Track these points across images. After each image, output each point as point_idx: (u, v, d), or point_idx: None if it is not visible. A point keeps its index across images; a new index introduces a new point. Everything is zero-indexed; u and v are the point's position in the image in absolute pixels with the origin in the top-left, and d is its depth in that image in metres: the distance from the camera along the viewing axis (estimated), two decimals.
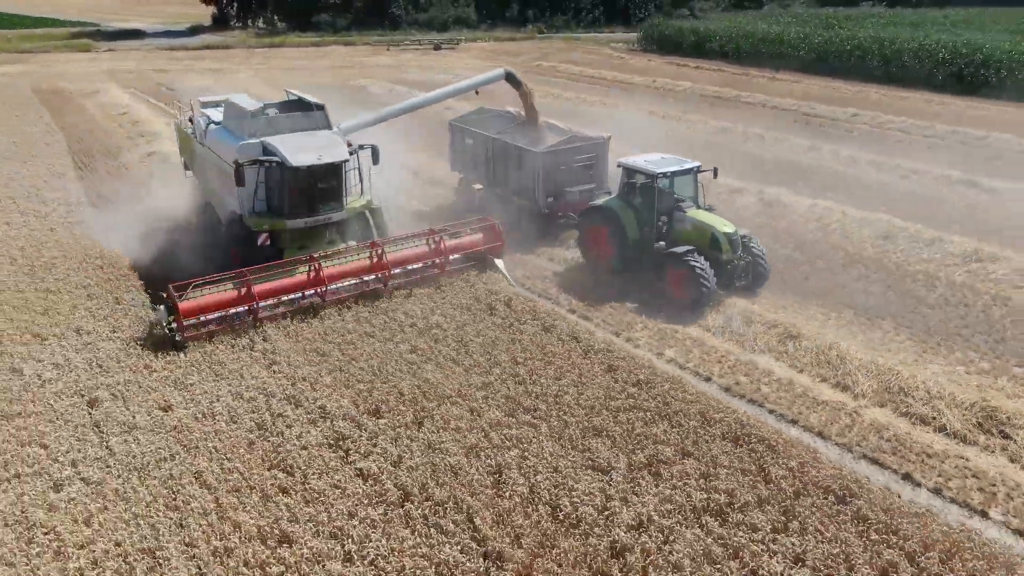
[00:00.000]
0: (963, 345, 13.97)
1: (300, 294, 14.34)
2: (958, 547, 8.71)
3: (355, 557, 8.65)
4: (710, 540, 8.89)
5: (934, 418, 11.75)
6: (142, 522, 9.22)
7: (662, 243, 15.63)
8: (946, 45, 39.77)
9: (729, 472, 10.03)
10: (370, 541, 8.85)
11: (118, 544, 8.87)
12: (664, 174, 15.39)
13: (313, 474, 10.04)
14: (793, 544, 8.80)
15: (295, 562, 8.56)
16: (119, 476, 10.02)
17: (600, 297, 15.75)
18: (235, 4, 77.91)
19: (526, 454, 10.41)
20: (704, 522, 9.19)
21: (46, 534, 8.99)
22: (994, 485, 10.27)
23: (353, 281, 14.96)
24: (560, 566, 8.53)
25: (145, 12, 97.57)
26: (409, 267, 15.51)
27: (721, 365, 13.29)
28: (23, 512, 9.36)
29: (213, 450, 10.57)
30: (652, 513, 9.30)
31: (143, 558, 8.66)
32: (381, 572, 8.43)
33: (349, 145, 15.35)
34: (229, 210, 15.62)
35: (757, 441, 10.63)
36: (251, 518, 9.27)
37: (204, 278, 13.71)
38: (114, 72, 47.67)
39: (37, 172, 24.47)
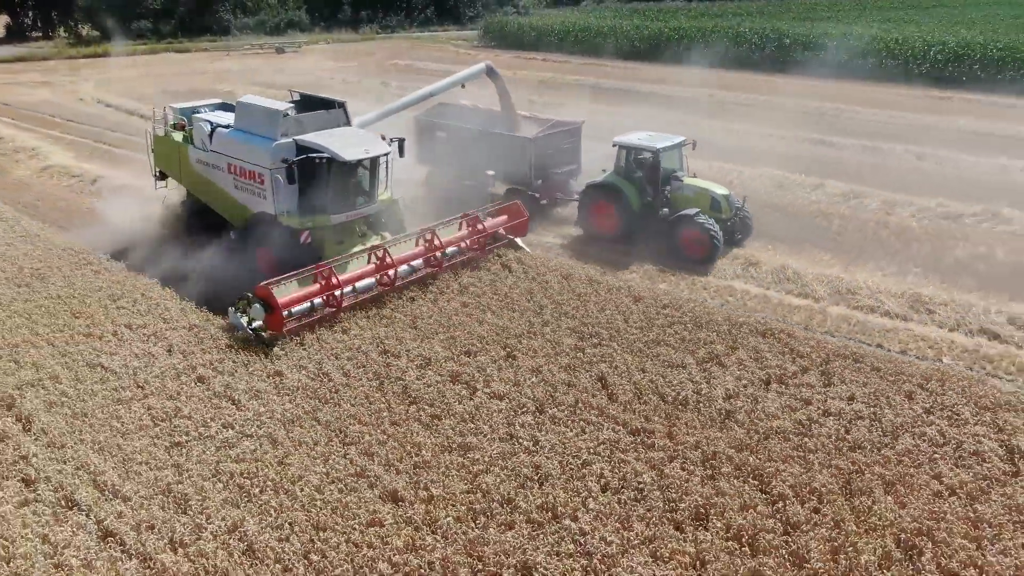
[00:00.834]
0: (872, 256, 17.97)
1: (374, 280, 14.95)
2: (945, 375, 12.21)
3: (534, 449, 10.52)
4: (784, 397, 11.73)
5: (879, 306, 15.47)
6: (335, 456, 10.45)
7: (666, 210, 17.95)
8: (757, 31, 46.33)
9: (771, 354, 12.96)
10: (539, 438, 10.75)
11: (327, 474, 10.08)
12: (664, 148, 17.79)
13: (454, 401, 11.68)
14: (841, 391, 11.86)
15: (487, 461, 10.27)
16: (280, 428, 11.06)
17: (605, 257, 17.76)
18: (31, 12, 71.29)
19: (614, 364, 12.70)
20: (773, 387, 12.03)
21: (251, 478, 9.98)
22: (938, 343, 14.02)
23: (417, 263, 15.68)
24: (691, 428, 10.95)
25: None
26: (455, 249, 16.52)
27: (708, 291, 16.29)
28: (217, 466, 10.23)
29: (351, 398, 11.83)
30: (733, 389, 11.98)
31: (358, 480, 9.96)
32: (561, 456, 10.38)
33: (383, 138, 16.18)
34: (256, 211, 15.78)
35: (780, 332, 13.69)
36: (426, 439, 10.80)
37: (281, 276, 13.98)
38: None
39: None
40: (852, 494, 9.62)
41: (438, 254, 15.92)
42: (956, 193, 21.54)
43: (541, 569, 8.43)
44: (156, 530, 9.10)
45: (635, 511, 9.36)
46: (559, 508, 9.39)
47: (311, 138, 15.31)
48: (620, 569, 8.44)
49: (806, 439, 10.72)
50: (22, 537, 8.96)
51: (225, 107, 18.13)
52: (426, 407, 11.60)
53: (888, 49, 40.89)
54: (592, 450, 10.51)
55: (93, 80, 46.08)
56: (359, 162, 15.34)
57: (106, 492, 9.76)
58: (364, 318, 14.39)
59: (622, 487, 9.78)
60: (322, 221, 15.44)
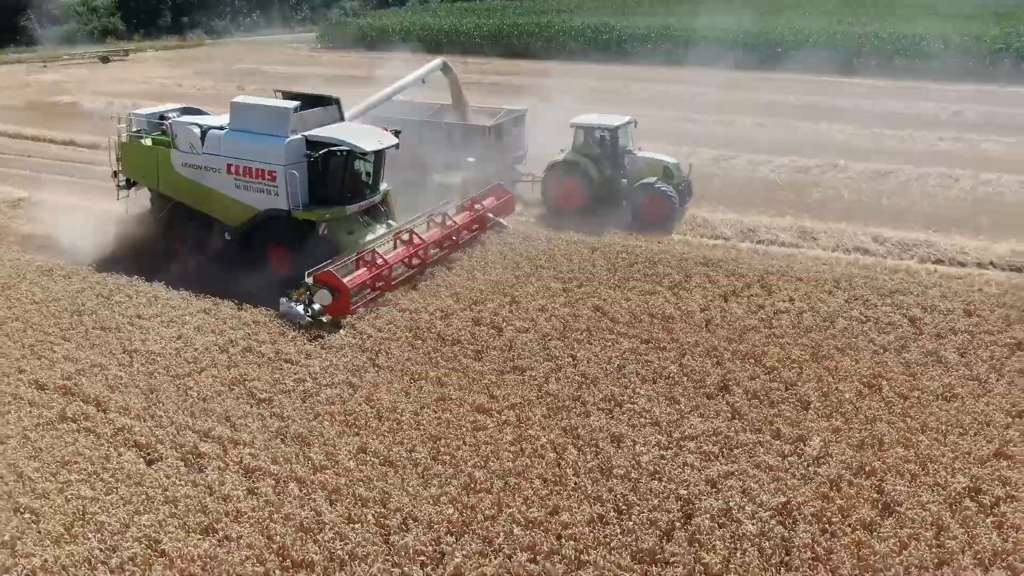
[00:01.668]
0: (752, 203, 21.68)
1: (410, 259, 16.16)
2: (851, 276, 15.95)
3: (575, 362, 12.77)
4: (743, 305, 14.81)
5: (776, 238, 19.19)
6: (412, 389, 12.07)
7: (625, 180, 20.40)
8: (590, 26, 50.83)
9: (719, 278, 16.05)
10: (574, 354, 13.01)
11: (416, 401, 11.72)
12: (619, 126, 20.21)
13: (489, 339, 13.62)
14: (782, 296, 15.16)
15: (543, 375, 12.37)
16: (349, 375, 12.46)
17: (572, 226, 19.56)
18: None
19: (602, 298, 15.18)
20: (731, 299, 15.09)
21: (349, 415, 11.40)
22: (827, 260, 17.83)
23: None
24: (686, 334, 13.67)
25: None
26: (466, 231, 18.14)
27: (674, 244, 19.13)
28: (313, 410, 11.52)
29: (398, 347, 13.41)
30: (703, 304, 14.90)
31: (444, 403, 11.68)
32: (598, 364, 12.70)
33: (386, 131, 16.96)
34: (263, 209, 16.08)
35: (719, 261, 16.91)
36: (483, 366, 12.69)
37: (332, 260, 14.87)
38: None
39: None
40: (819, 359, 12.79)
41: (455, 235, 17.61)
42: (801, 151, 26.20)
43: (628, 438, 10.74)
44: (292, 460, 10.35)
45: (675, 391, 11.91)
46: (617, 398, 11.74)
47: (322, 132, 16.02)
48: (684, 427, 10.95)
49: (772, 330, 13.83)
50: (167, 489, 9.87)
51: (189, 111, 18.26)
52: (468, 346, 13.45)
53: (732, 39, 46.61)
54: (620, 356, 12.95)
55: None
56: (375, 153, 16.21)
57: (224, 442, 10.79)
58: (415, 292, 15.70)
59: (656, 378, 12.31)
60: (338, 212, 16.15)
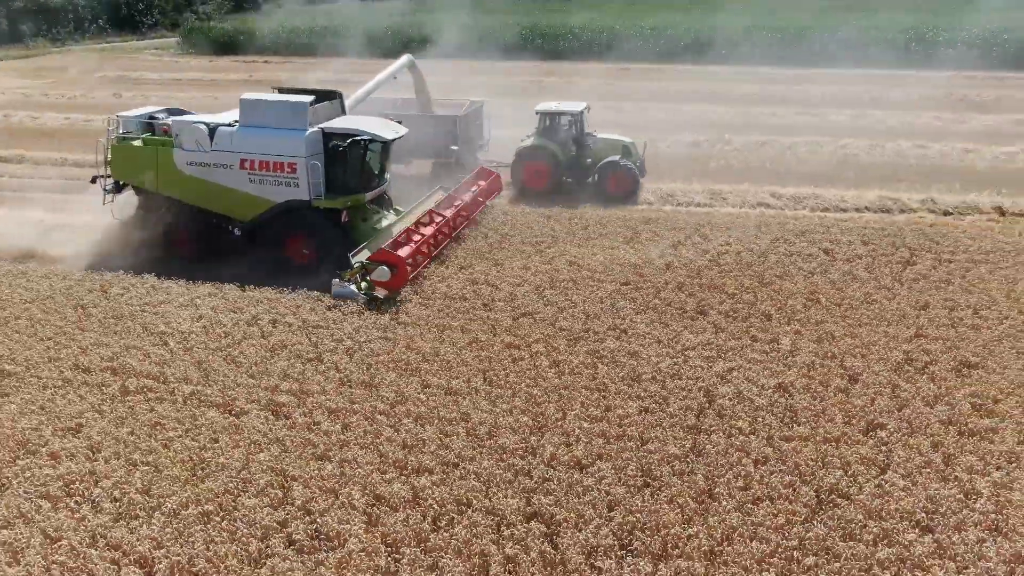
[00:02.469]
0: (663, 173, 24.75)
1: (438, 236, 17.50)
2: (768, 221, 19.06)
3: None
4: (693, 250, 17.51)
5: (691, 200, 22.20)
6: (471, 336, 13.71)
7: (589, 159, 22.37)
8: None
9: (662, 231, 18.74)
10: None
11: (480, 346, 13.37)
12: (582, 111, 22.15)
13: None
14: (720, 240, 18.01)
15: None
16: (397, 329, 13.88)
17: (543, 204, 21.36)
18: None
19: (578, 254, 17.40)
20: (679, 246, 17.77)
21: (416, 362, 12.89)
22: (738, 216, 21.02)
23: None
24: (661, 274, 16.14)
25: None
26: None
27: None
28: (374, 359, 12.88)
29: (432, 307, 14.96)
30: (660, 252, 17.46)
31: (508, 350, 13.39)
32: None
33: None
34: (281, 201, 16.71)
35: (655, 219, 19.55)
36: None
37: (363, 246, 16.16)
38: None
39: None
40: (765, 285, 15.64)
41: (467, 212, 19.28)
42: (692, 130, 29.63)
43: (642, 354, 12.97)
44: (368, 400, 11.73)
45: (664, 318, 14.30)
46: (620, 326, 13.97)
47: (339, 124, 16.91)
48: (682, 341, 13.32)
49: (722, 267, 16.61)
50: (266, 433, 11.00)
51: (174, 112, 18.57)
52: (475, 300, 15.18)
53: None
54: (609, 296, 15.20)
55: None
56: (393, 141, 17.17)
57: (296, 394, 11.96)
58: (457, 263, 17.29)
59: (644, 309, 14.63)
60: (357, 200, 17.06)
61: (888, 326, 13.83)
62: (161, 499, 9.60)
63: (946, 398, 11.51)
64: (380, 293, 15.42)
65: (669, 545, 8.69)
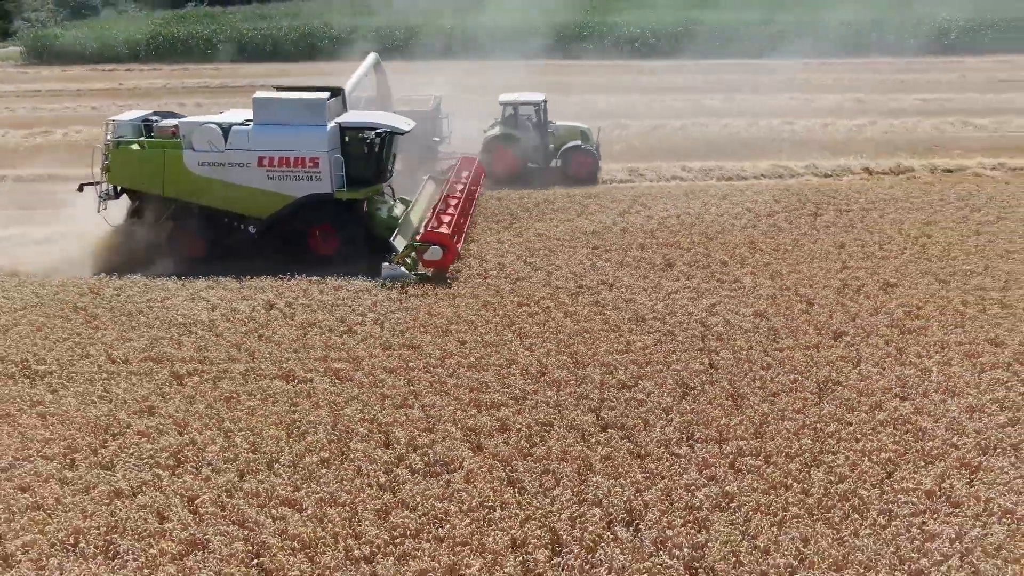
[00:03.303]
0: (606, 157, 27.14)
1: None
2: (697, 190, 21.84)
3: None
4: (651, 210, 19.89)
5: (613, 178, 24.69)
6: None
7: (552, 146, 23.98)
8: (296, 29, 53.95)
9: (608, 203, 20.98)
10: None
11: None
12: (544, 101, 23.73)
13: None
14: (668, 206, 20.52)
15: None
16: (433, 302, 15.11)
17: (513, 188, 22.84)
18: None
19: (568, 224, 19.29)
20: (635, 207, 20.10)
21: (471, 322, 14.22)
22: (660, 188, 23.75)
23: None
24: (644, 234, 18.33)
25: None
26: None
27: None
28: (415, 321, 14.08)
29: (459, 275, 16.23)
30: (632, 216, 19.73)
31: (519, 308, 14.93)
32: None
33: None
34: (302, 196, 17.21)
35: (598, 193, 21.81)
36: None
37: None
38: None
39: None
40: (711, 239, 18.26)
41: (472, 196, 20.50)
42: (585, 120, 32.12)
43: (637, 300, 15.06)
44: (417, 358, 13.00)
45: (640, 271, 16.48)
46: (607, 281, 16.00)
47: (354, 119, 17.78)
48: (664, 288, 15.54)
49: (669, 229, 19.10)
50: (339, 394, 12.03)
51: (164, 115, 18.62)
52: (464, 272, 16.68)
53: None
54: (587, 258, 17.22)
55: None
56: (407, 133, 18.07)
57: (344, 362, 13.00)
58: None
59: (621, 266, 16.77)
60: (375, 190, 18.10)
61: (820, 262, 16.77)
62: (273, 455, 10.51)
63: (883, 309, 14.44)
64: (428, 271, 16.60)
65: (723, 432, 10.79)
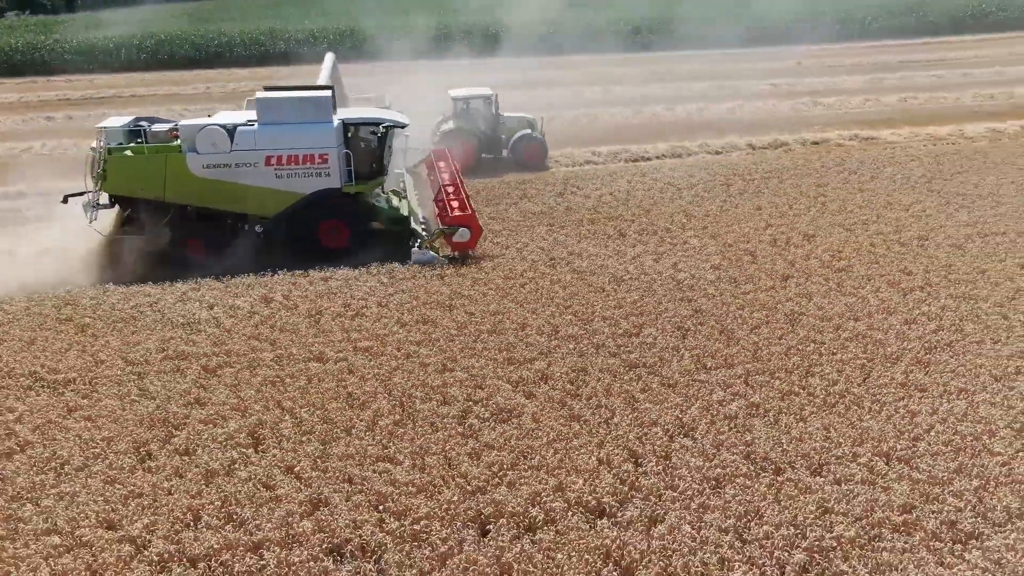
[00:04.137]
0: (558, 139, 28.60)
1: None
2: (664, 166, 24.00)
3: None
4: (624, 181, 21.72)
5: (588, 161, 26.46)
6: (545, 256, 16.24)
7: (503, 136, 25.19)
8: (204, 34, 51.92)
9: (591, 183, 22.68)
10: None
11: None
12: (495, 95, 24.81)
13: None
14: (643, 182, 22.45)
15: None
16: (439, 275, 15.95)
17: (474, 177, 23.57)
18: None
19: (529, 204, 20.63)
20: (621, 178, 21.89)
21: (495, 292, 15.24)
22: (629, 169, 25.76)
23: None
24: (623, 207, 20.05)
25: None
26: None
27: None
28: (433, 296, 14.97)
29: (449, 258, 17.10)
30: (607, 187, 21.43)
31: (521, 277, 16.12)
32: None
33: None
34: (311, 192, 17.33)
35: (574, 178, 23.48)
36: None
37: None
38: None
39: None
40: (647, 211, 20.40)
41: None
42: (533, 109, 33.36)
43: (609, 265, 16.81)
44: (465, 316, 14.04)
45: (599, 242, 18.26)
46: (577, 252, 17.65)
47: (356, 114, 18.23)
48: (627, 254, 17.41)
49: (620, 204, 21.08)
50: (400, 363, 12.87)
51: (151, 120, 18.10)
52: (454, 256, 17.78)
53: None
54: (558, 235, 18.79)
55: None
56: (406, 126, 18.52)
57: (379, 339, 13.80)
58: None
59: (582, 239, 18.48)
60: (379, 183, 18.68)
61: (747, 222, 19.33)
62: (347, 424, 11.26)
63: (812, 255, 17.09)
64: (455, 253, 17.60)
65: (728, 360, 12.75)
